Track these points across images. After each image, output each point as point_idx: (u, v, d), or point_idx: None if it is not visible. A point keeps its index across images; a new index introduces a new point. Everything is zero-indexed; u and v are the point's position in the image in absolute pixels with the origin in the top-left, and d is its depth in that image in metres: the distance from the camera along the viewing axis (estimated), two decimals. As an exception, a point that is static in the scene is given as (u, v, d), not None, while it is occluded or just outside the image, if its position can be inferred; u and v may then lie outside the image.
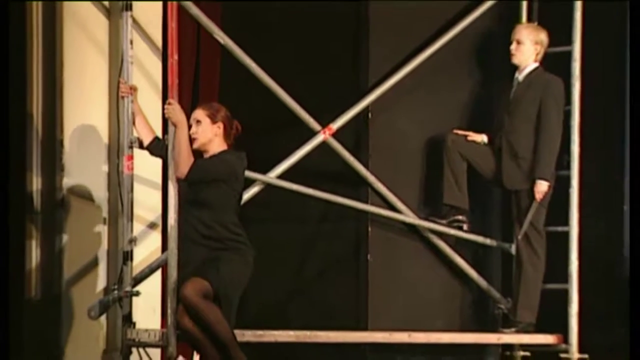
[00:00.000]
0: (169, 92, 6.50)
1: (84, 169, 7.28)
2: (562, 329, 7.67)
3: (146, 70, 7.25)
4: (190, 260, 6.43)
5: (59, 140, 7.20)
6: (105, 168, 7.33)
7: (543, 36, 7.68)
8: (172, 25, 6.58)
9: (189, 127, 6.48)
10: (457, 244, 7.87)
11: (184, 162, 6.36)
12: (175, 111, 6.41)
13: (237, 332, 6.53)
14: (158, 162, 6.84)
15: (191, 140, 6.42)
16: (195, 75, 7.63)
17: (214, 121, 6.47)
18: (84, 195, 7.27)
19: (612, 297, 8.52)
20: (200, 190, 6.39)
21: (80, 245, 7.25)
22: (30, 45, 7.17)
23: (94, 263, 7.30)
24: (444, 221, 7.74)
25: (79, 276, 7.25)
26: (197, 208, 6.41)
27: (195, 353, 7.40)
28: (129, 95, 6.75)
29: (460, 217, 7.73)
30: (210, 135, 6.46)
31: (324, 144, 7.50)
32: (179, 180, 6.52)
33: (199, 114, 6.51)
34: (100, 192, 7.32)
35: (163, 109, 6.54)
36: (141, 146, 6.74)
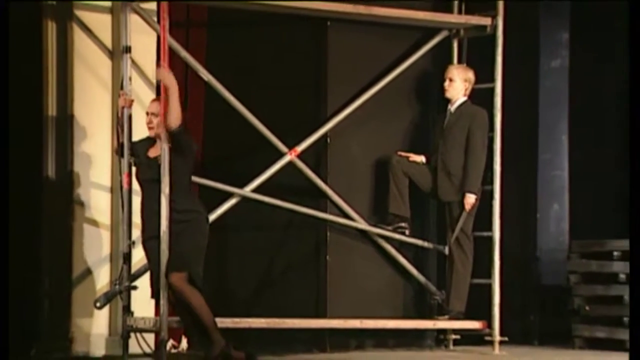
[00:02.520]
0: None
1: (91, 184, 7.33)
2: (486, 317, 7.69)
3: (143, 102, 7.23)
4: (155, 235, 6.47)
5: (70, 161, 7.26)
6: (108, 183, 7.34)
7: (471, 75, 7.73)
8: (165, 65, 6.62)
9: (146, 114, 6.56)
10: (401, 246, 7.89)
11: (177, 116, 6.39)
12: (166, 75, 6.44)
13: (217, 319, 6.60)
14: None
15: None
16: (184, 106, 7.60)
17: None
18: (91, 206, 7.32)
19: (527, 291, 8.61)
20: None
21: (88, 248, 7.28)
22: (46, 82, 7.25)
23: (99, 262, 7.32)
24: (389, 227, 7.74)
25: (87, 273, 7.29)
26: (159, 185, 6.47)
27: (183, 337, 7.54)
28: (128, 106, 6.77)
29: (403, 224, 7.74)
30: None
31: (290, 163, 7.53)
32: (140, 163, 6.57)
33: (155, 107, 6.55)
34: (104, 204, 7.34)
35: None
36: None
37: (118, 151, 6.84)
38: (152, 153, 6.60)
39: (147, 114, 6.63)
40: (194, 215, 6.51)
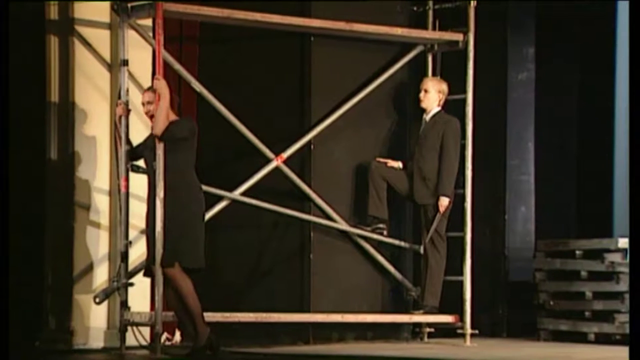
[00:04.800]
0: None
1: (91, 188, 7.32)
2: (458, 311, 7.72)
3: (138, 111, 7.19)
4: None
5: (72, 165, 7.25)
6: (107, 187, 7.33)
7: (444, 86, 7.74)
8: (160, 77, 6.63)
9: (142, 105, 6.56)
10: (379, 246, 7.87)
11: (163, 123, 6.40)
12: (162, 85, 6.48)
13: (208, 314, 6.60)
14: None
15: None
16: (178, 115, 7.62)
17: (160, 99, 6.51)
18: (91, 208, 7.31)
19: (496, 287, 8.63)
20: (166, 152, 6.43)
21: (88, 247, 7.28)
22: (49, 94, 7.26)
23: (98, 261, 7.30)
24: (369, 228, 7.74)
25: (87, 271, 7.27)
26: (170, 170, 6.42)
27: (176, 330, 7.54)
28: (125, 115, 6.78)
29: (381, 225, 7.72)
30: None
31: (276, 169, 7.54)
32: (146, 148, 6.56)
33: (147, 96, 6.54)
34: (103, 206, 7.34)
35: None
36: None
37: (119, 156, 6.84)
38: None
39: (143, 104, 6.61)
40: (190, 197, 6.46)
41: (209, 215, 7.28)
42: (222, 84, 7.65)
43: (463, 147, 7.76)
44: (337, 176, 7.87)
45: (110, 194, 7.33)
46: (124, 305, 6.86)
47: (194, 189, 6.55)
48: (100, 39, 7.34)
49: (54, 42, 7.31)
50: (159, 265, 6.49)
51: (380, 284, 7.95)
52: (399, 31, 7.80)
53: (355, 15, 7.73)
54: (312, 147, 7.76)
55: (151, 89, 6.63)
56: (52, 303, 7.22)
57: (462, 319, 7.74)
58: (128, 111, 6.89)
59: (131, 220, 6.94)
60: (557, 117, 9.20)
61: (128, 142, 6.85)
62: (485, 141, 8.23)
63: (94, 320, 7.25)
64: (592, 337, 7.84)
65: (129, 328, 6.85)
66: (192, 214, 6.50)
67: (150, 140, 6.65)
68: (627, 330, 6.99)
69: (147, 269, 6.63)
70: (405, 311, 7.91)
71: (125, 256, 6.89)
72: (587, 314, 7.90)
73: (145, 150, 6.70)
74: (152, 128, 6.53)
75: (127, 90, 6.95)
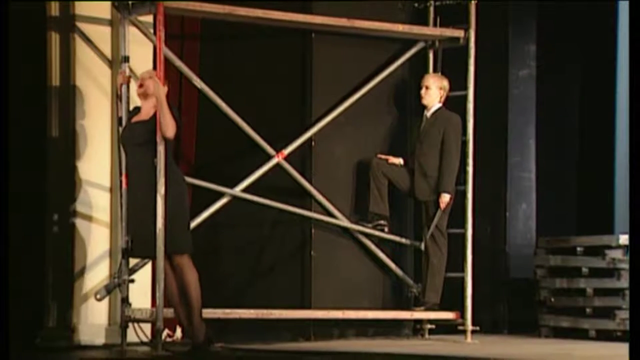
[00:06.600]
0: (157, 123, 6.48)
1: (91, 185, 7.30)
2: (459, 308, 7.70)
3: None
4: (138, 199, 6.42)
5: (73, 163, 7.22)
6: (108, 184, 7.30)
7: (445, 83, 7.73)
8: (160, 75, 6.64)
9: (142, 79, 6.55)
10: (380, 242, 7.86)
11: (172, 126, 6.37)
12: (152, 85, 6.43)
13: (209, 310, 6.58)
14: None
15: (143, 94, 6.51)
16: (178, 112, 7.59)
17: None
18: (92, 204, 7.28)
19: (497, 284, 8.62)
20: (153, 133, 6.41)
21: (89, 244, 7.25)
22: (50, 90, 7.23)
23: (99, 257, 7.28)
24: (370, 225, 7.72)
25: (88, 268, 7.23)
26: (147, 149, 6.41)
27: (177, 326, 7.50)
28: (125, 83, 6.77)
29: (382, 222, 7.71)
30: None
31: (277, 165, 7.52)
32: (124, 128, 6.56)
33: (149, 72, 6.55)
34: (103, 203, 7.31)
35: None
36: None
37: (118, 122, 6.83)
38: (136, 118, 6.57)
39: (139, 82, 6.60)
40: (182, 185, 6.46)
41: (209, 211, 7.29)
42: (223, 80, 7.62)
43: (464, 144, 7.74)
44: (338, 173, 7.86)
45: (110, 190, 7.29)
46: (125, 301, 6.82)
47: (180, 177, 6.54)
48: (101, 35, 7.31)
49: (55, 39, 7.27)
50: (168, 253, 6.45)
51: (381, 280, 7.95)
52: (400, 28, 7.78)
53: (357, 12, 7.72)
54: (313, 143, 7.75)
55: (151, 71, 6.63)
56: (52, 300, 7.19)
57: (463, 315, 7.72)
58: (128, 78, 6.84)
59: (132, 216, 6.91)
60: (558, 115, 9.17)
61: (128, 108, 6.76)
62: (486, 138, 8.21)
63: (95, 316, 7.20)
64: (593, 333, 7.82)
65: (130, 324, 6.82)
66: (185, 203, 6.50)
67: (128, 121, 6.59)
68: (628, 327, 6.94)
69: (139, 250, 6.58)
70: (406, 308, 7.89)
71: (126, 252, 6.82)
72: (587, 310, 7.88)
73: (126, 122, 6.65)
74: (162, 131, 6.43)
75: (128, 87, 6.87)
